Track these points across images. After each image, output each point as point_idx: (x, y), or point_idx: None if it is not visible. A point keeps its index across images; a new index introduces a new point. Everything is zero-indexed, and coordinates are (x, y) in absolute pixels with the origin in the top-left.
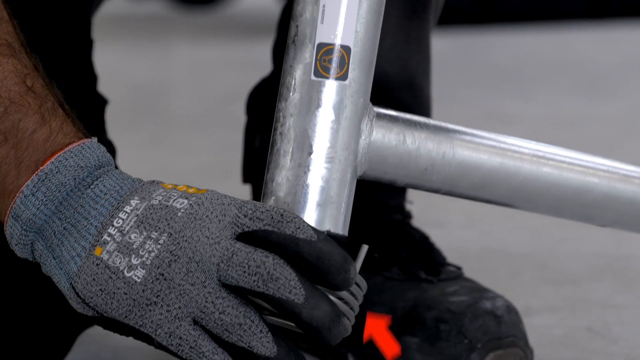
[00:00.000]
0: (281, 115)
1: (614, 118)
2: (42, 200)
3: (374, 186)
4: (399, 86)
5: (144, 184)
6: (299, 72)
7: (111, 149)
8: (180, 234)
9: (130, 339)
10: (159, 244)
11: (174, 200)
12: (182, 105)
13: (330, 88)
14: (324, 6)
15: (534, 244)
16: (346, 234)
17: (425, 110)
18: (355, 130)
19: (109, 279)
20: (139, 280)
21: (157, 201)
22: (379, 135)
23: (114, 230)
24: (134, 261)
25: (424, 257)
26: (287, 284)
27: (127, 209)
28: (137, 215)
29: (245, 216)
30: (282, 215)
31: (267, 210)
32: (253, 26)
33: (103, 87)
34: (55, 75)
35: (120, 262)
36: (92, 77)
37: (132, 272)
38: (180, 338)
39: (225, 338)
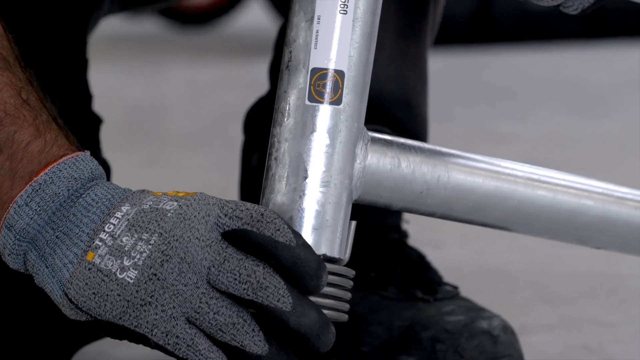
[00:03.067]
0: (276, 140)
1: (608, 137)
2: (35, 210)
3: (371, 206)
4: (395, 104)
5: (134, 192)
6: (293, 97)
7: (106, 167)
8: (170, 234)
9: (127, 353)
10: (150, 244)
11: (164, 204)
12: (178, 124)
13: (324, 113)
14: (317, 32)
15: (529, 263)
16: (342, 256)
17: (421, 129)
18: (350, 154)
19: (101, 282)
20: (131, 281)
21: (148, 206)
22: (373, 159)
23: (105, 235)
24: (126, 263)
25: (420, 277)
26: (276, 293)
27: (118, 214)
28: (128, 219)
29: (225, 215)
30: (262, 215)
31: (247, 209)
32: (249, 46)
33: (99, 107)
34: (50, 93)
35: (112, 265)
36: (87, 96)
37: (125, 273)
38: (177, 337)
39: (219, 337)
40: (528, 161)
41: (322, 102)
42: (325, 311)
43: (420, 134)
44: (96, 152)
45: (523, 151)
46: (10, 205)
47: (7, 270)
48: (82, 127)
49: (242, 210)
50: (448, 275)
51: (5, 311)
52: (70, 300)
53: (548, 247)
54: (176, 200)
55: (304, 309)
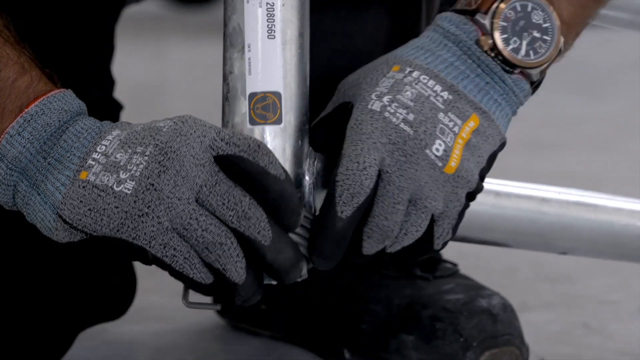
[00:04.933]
0: None
1: (610, 118)
2: (28, 139)
3: None
4: None
5: (123, 122)
6: (236, 123)
7: None
8: (167, 145)
9: (128, 335)
10: (145, 155)
11: (157, 123)
12: (178, 104)
13: (267, 133)
14: (249, 59)
15: None
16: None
17: None
18: (298, 170)
19: (97, 197)
20: (129, 192)
21: (140, 127)
22: (323, 176)
23: (98, 155)
24: (123, 176)
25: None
26: (258, 225)
27: (110, 137)
28: (120, 139)
29: (222, 140)
30: (259, 146)
31: (244, 138)
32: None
33: None
34: (76, 80)
35: (108, 180)
36: (110, 83)
37: (122, 185)
38: (175, 249)
39: (204, 257)
40: (528, 142)
41: (263, 124)
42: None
43: None
44: None
45: (522, 132)
46: (2, 136)
47: (10, 256)
48: (103, 112)
49: (239, 139)
50: (447, 253)
51: (9, 293)
52: (64, 220)
53: None
54: (170, 120)
55: (281, 245)
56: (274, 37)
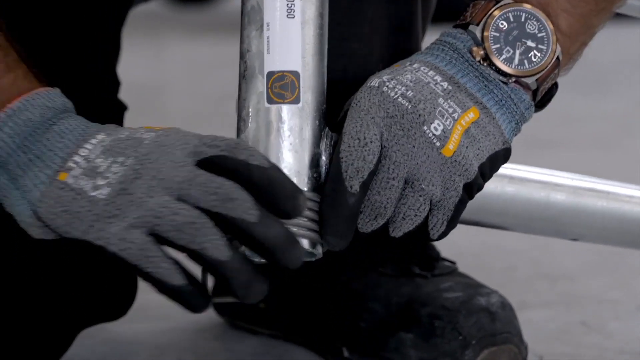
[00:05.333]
0: None
1: (612, 116)
2: (8, 133)
3: None
4: None
5: (109, 125)
6: (253, 102)
7: None
8: (146, 157)
9: (128, 334)
10: (124, 165)
11: (141, 134)
12: (177, 103)
13: (284, 112)
14: (268, 38)
15: (529, 240)
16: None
17: None
18: (315, 150)
19: (72, 199)
20: (103, 197)
21: (124, 135)
22: None
23: (79, 158)
24: (100, 182)
25: (418, 253)
26: (243, 205)
27: (94, 141)
28: (104, 145)
29: (204, 144)
30: (237, 143)
31: (224, 140)
32: None
33: None
34: (81, 81)
35: (85, 184)
36: (115, 84)
37: (97, 191)
38: (132, 242)
39: (178, 241)
40: (530, 140)
41: (281, 103)
42: (303, 235)
43: None
44: None
45: (524, 130)
46: None
47: (10, 256)
48: (107, 113)
49: (220, 141)
50: (447, 252)
51: (8, 293)
52: (39, 218)
53: None
54: (153, 132)
55: (270, 221)
56: (294, 17)
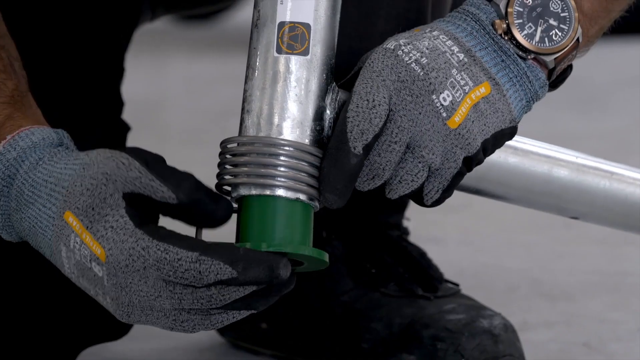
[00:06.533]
0: (248, 94)
1: (609, 134)
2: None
3: (372, 204)
4: None
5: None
6: (262, 51)
7: None
8: (115, 280)
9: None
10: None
11: (88, 262)
12: (178, 120)
13: (292, 63)
14: None
15: (530, 260)
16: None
17: None
18: (320, 103)
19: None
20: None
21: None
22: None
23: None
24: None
25: (421, 274)
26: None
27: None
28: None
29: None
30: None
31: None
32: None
33: None
34: (85, 101)
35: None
36: (119, 105)
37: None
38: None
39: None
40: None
41: (290, 53)
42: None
43: None
44: None
45: None
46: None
47: (11, 273)
48: (110, 134)
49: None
50: (448, 272)
51: (10, 312)
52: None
53: (548, 244)
54: (99, 265)
55: (245, 267)
56: None
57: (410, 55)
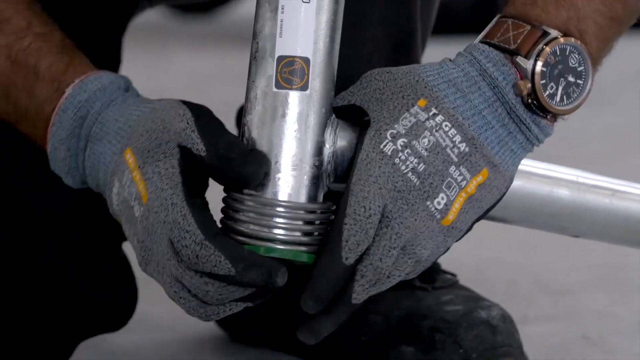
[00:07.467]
0: (247, 128)
1: (612, 132)
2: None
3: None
4: None
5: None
6: (261, 85)
7: None
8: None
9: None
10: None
11: (132, 202)
12: None
13: (292, 98)
14: (281, 21)
15: (530, 254)
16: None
17: None
18: (319, 139)
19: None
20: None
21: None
22: (343, 143)
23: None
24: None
25: None
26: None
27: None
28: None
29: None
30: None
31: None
32: (250, 35)
33: None
34: None
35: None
36: None
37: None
38: None
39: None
40: (529, 156)
41: (289, 89)
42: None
43: None
44: None
45: None
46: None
47: (9, 267)
48: None
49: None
50: (449, 267)
51: (7, 304)
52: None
53: (549, 238)
54: (139, 205)
55: (245, 269)
56: (309, 2)
57: (407, 163)
